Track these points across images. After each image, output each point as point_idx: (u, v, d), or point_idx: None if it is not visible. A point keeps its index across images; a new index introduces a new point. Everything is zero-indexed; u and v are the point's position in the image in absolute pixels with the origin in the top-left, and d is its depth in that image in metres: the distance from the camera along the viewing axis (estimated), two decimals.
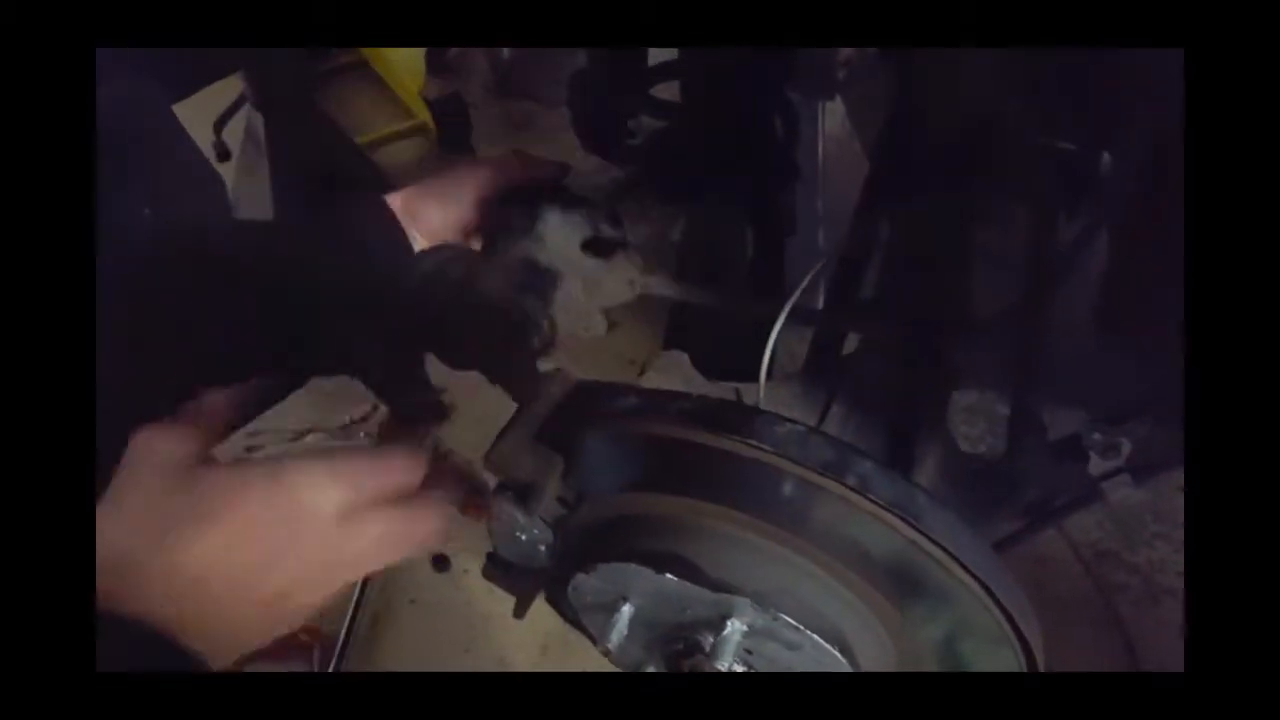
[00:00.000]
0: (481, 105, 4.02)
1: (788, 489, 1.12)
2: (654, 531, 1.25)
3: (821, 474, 1.07)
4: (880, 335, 1.73)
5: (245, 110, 3.13)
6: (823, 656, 1.11)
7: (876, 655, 1.17)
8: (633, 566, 1.19)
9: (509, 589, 1.39)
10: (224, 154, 3.29)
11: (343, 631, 2.00)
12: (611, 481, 1.25)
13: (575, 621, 1.44)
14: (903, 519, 1.04)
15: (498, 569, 1.38)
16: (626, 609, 1.23)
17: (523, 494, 1.20)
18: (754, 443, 1.10)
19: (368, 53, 3.38)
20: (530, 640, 2.14)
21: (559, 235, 1.45)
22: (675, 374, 2.17)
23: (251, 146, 3.06)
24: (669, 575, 1.16)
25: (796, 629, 1.11)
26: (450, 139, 3.54)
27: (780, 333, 1.59)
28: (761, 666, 1.18)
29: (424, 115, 3.17)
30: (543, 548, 1.31)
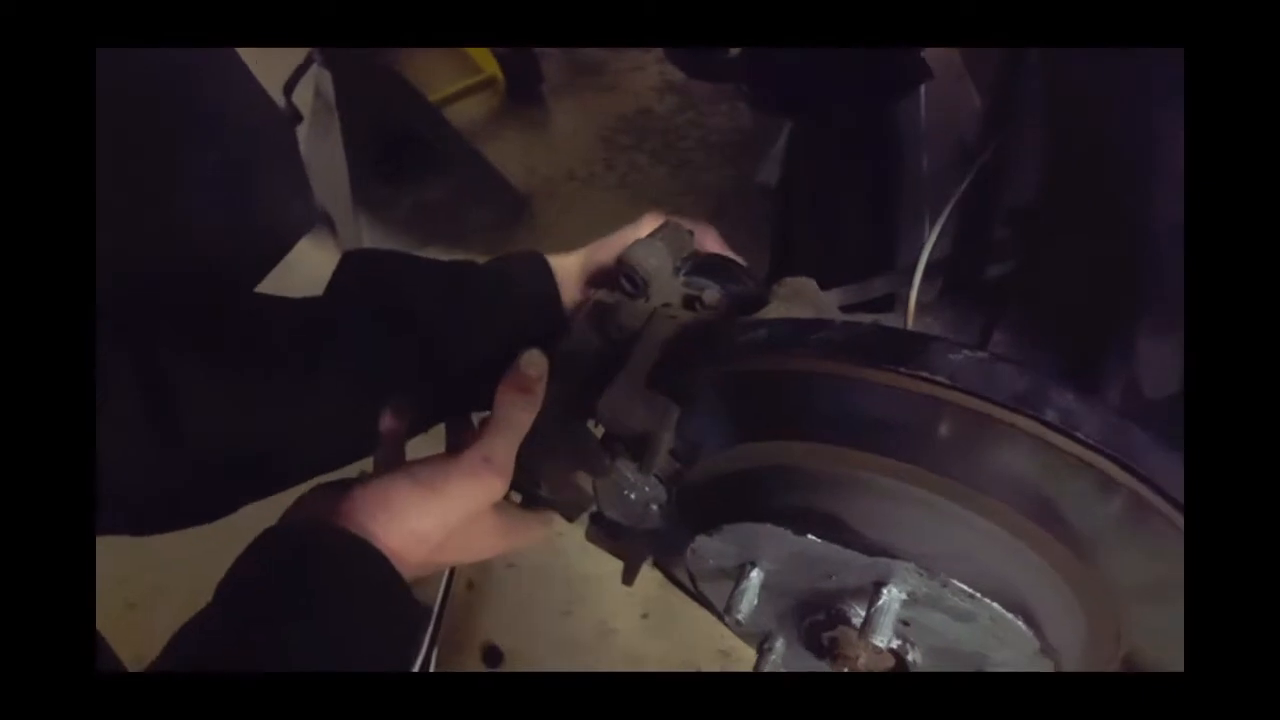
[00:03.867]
0: (551, 54, 3.96)
1: (966, 429, 0.95)
2: (791, 486, 1.10)
3: (1014, 409, 0.90)
4: (1050, 247, 1.55)
5: (313, 71, 3.13)
6: (1002, 628, 0.97)
7: (1064, 623, 1.02)
8: (767, 527, 1.05)
9: (615, 552, 1.33)
10: (296, 117, 3.24)
11: (438, 599, 1.98)
12: (735, 430, 1.13)
13: (689, 589, 1.33)
14: (1118, 461, 0.88)
15: (603, 531, 1.33)
16: (756, 575, 1.10)
17: (634, 447, 1.15)
18: (924, 374, 0.93)
19: None
20: (631, 606, 2.09)
21: None
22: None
23: (322, 108, 3.07)
24: (811, 537, 1.01)
25: (971, 596, 0.96)
26: (519, 91, 3.54)
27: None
28: (921, 643, 1.05)
29: (492, 68, 3.19)
30: (654, 507, 1.22)
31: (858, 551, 1.00)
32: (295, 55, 3.19)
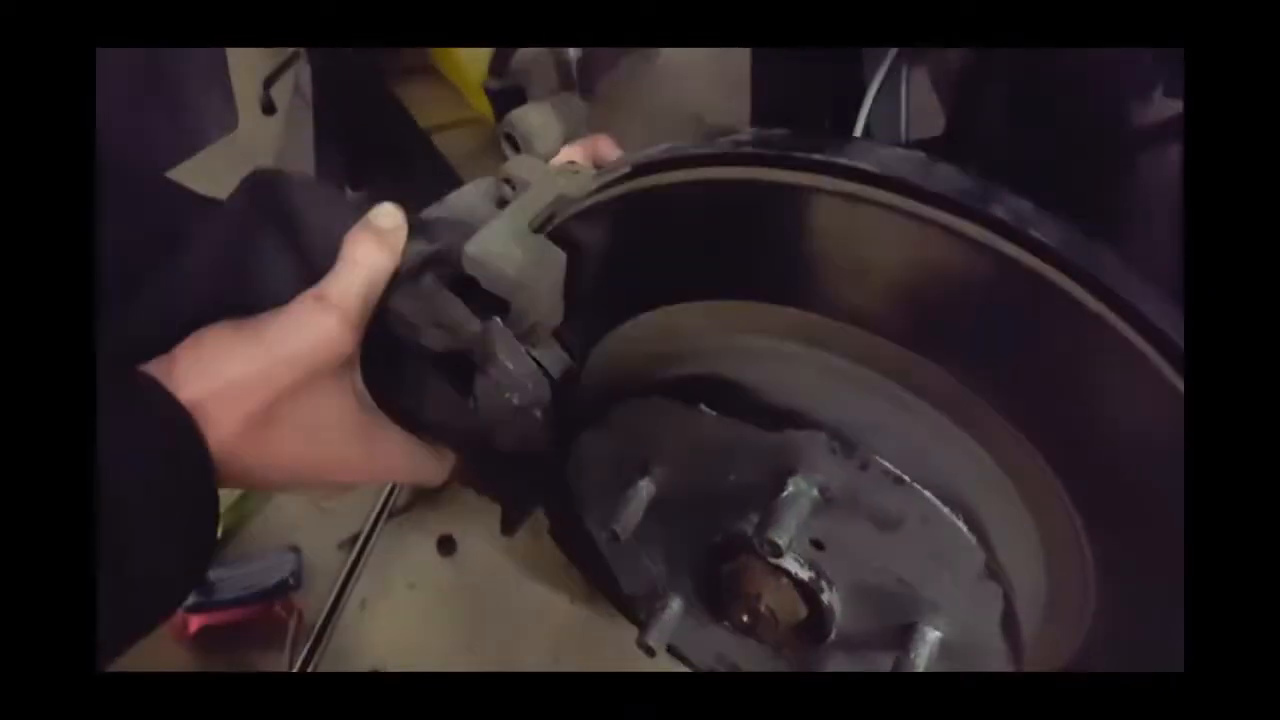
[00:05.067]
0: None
1: (895, 247, 0.83)
2: (683, 359, 1.01)
3: (956, 205, 0.78)
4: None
5: (296, 67, 3.09)
6: (937, 535, 0.87)
7: (1017, 543, 0.93)
8: (654, 402, 0.97)
9: (494, 495, 1.24)
10: (269, 108, 3.21)
11: (325, 610, 1.95)
12: (626, 292, 1.03)
13: (586, 564, 1.26)
14: (1083, 273, 0.77)
15: (482, 469, 1.22)
16: (645, 484, 1.01)
17: (516, 301, 1.01)
18: (842, 161, 0.81)
19: (432, 51, 3.59)
20: (541, 643, 2.06)
21: None
22: None
23: (299, 103, 3.02)
24: (704, 408, 0.93)
25: (898, 481, 0.86)
26: None
27: None
28: (839, 576, 0.95)
29: (483, 108, 3.21)
30: (538, 414, 1.10)
31: (758, 426, 0.91)
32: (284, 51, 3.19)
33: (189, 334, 0.98)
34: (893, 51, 1.39)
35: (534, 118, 1.13)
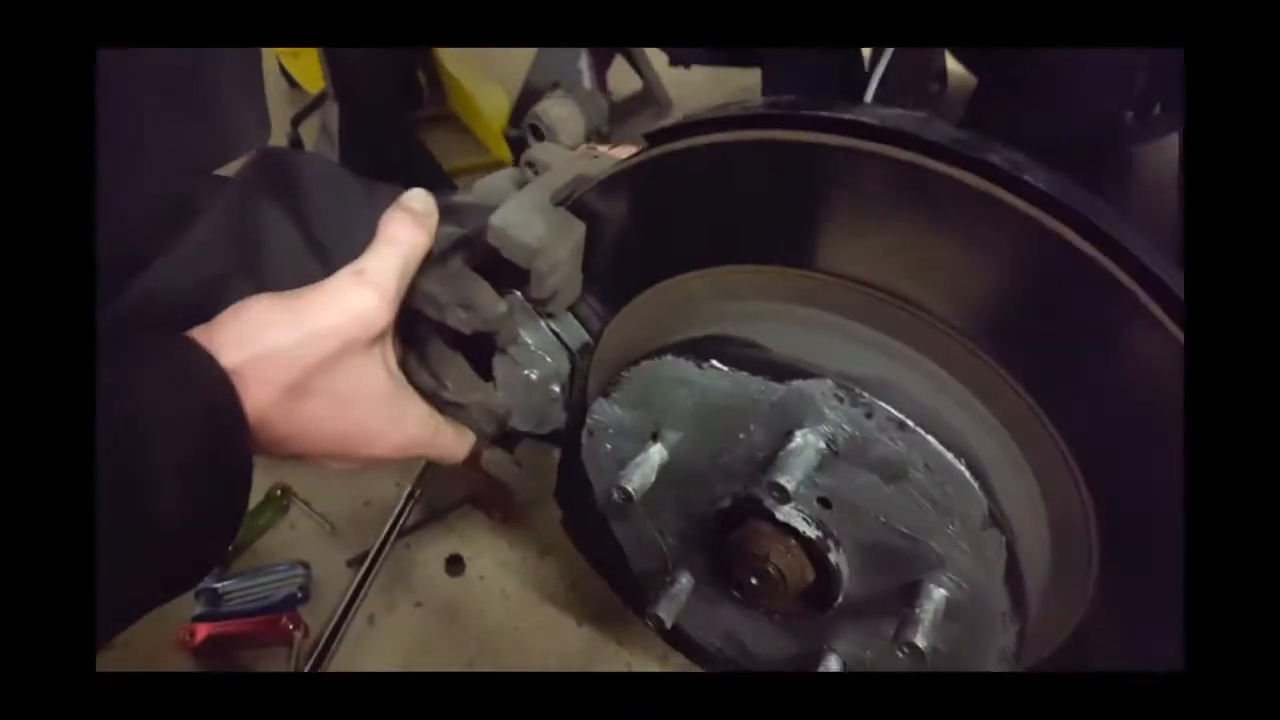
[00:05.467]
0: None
1: (895, 199, 0.87)
2: (697, 323, 1.04)
3: (954, 151, 0.82)
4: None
5: (323, 108, 3.14)
6: (941, 481, 0.89)
7: (1017, 491, 0.94)
8: (666, 362, 0.99)
9: (506, 476, 1.26)
10: (296, 145, 3.32)
11: (331, 623, 1.95)
12: (644, 264, 1.07)
13: (594, 549, 1.31)
14: (1081, 219, 0.80)
15: (498, 445, 1.23)
16: (656, 449, 1.04)
17: (536, 269, 1.05)
18: (847, 116, 0.86)
19: (455, 100, 3.83)
20: (548, 666, 2.05)
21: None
22: None
23: (325, 141, 3.04)
24: (715, 363, 0.96)
25: (902, 426, 0.88)
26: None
27: None
28: (845, 534, 0.97)
29: (502, 153, 3.30)
30: (557, 388, 1.16)
31: (767, 378, 0.93)
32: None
33: (201, 299, 1.01)
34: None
35: (559, 109, 1.16)
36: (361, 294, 1.00)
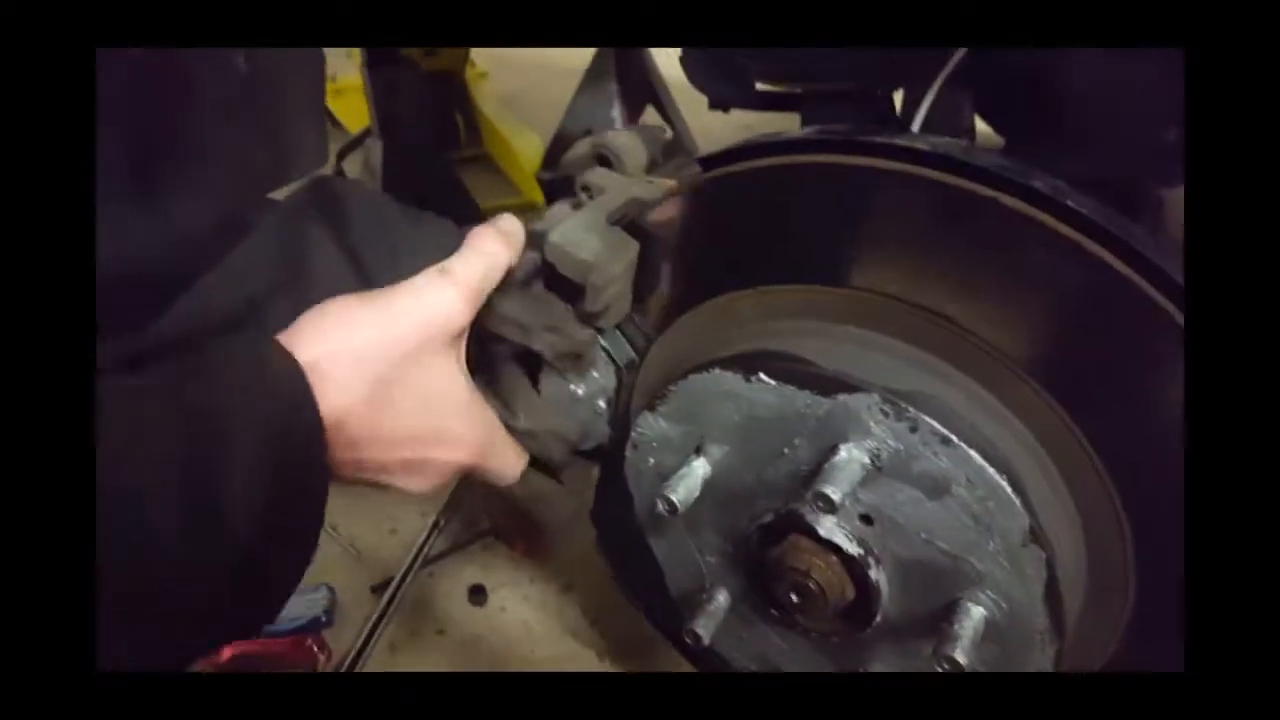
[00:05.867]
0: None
1: (941, 222, 0.91)
2: (744, 339, 1.07)
3: (997, 176, 0.86)
4: None
5: (367, 144, 3.27)
6: (983, 496, 0.89)
7: (1051, 503, 0.94)
8: (714, 375, 1.01)
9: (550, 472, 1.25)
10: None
11: (354, 649, 1.95)
12: (693, 282, 1.10)
13: (628, 573, 1.30)
14: (1122, 241, 0.83)
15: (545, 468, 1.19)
16: (700, 462, 1.05)
17: (590, 284, 1.05)
18: (898, 143, 0.91)
19: (490, 143, 4.05)
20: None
21: None
22: None
23: (367, 176, 3.20)
24: (763, 376, 0.97)
25: (946, 441, 0.89)
26: None
27: None
28: (887, 551, 0.97)
29: (534, 195, 3.41)
30: (602, 403, 1.15)
31: (813, 392, 0.94)
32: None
33: (242, 317, 1.06)
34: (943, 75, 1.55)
35: (624, 139, 1.18)
36: (445, 291, 1.00)
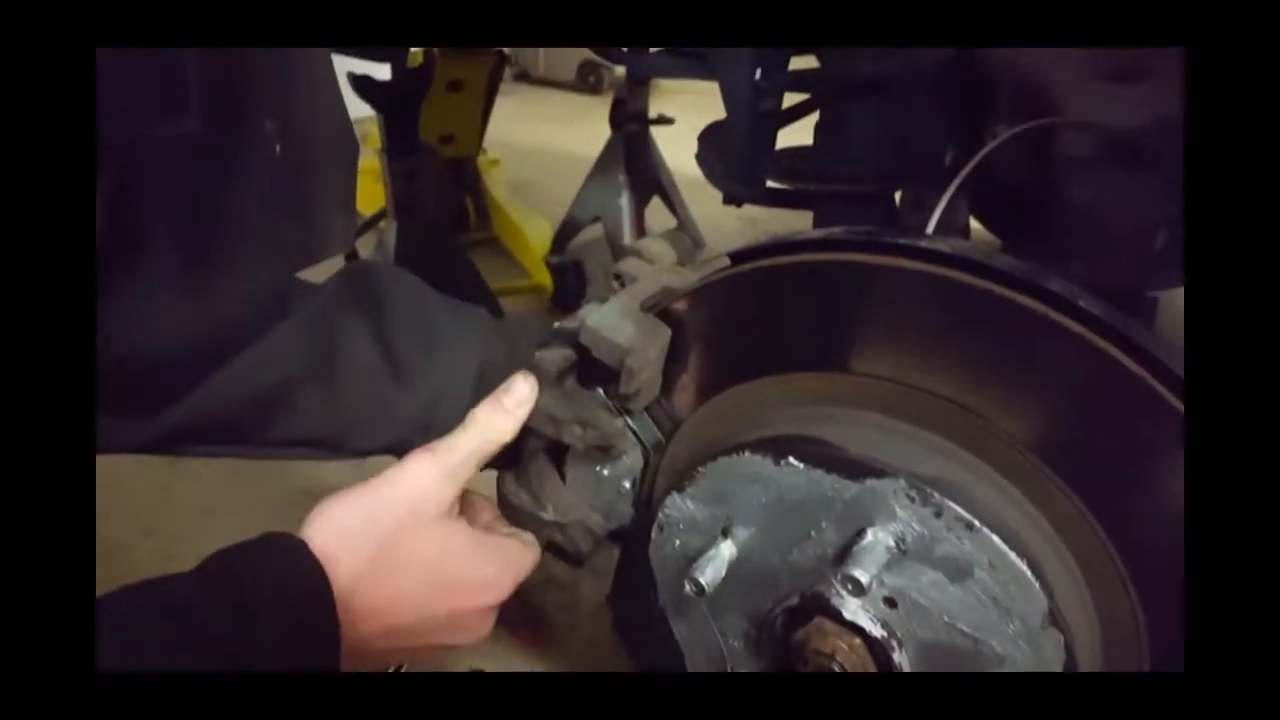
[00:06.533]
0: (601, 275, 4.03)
1: (961, 319, 0.94)
2: (772, 424, 1.09)
3: (1016, 278, 0.90)
4: None
5: (382, 225, 3.45)
6: (1004, 580, 0.91)
7: (1066, 586, 0.95)
8: (743, 459, 1.03)
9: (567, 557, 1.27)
10: (352, 258, 3.37)
11: None
12: (720, 362, 1.13)
13: (646, 653, 1.28)
14: (1130, 339, 0.86)
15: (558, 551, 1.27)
16: (727, 545, 1.07)
17: (624, 375, 1.11)
18: (922, 244, 0.95)
19: (499, 227, 4.18)
20: None
21: None
22: None
23: (380, 255, 3.30)
24: (792, 460, 1.00)
25: (969, 526, 0.92)
26: (563, 300, 3.71)
27: None
28: (909, 634, 0.98)
29: (542, 278, 3.49)
30: (627, 484, 1.22)
31: (841, 476, 0.97)
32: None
33: (270, 401, 1.16)
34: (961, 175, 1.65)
35: (657, 246, 1.24)
36: (425, 470, 1.11)
